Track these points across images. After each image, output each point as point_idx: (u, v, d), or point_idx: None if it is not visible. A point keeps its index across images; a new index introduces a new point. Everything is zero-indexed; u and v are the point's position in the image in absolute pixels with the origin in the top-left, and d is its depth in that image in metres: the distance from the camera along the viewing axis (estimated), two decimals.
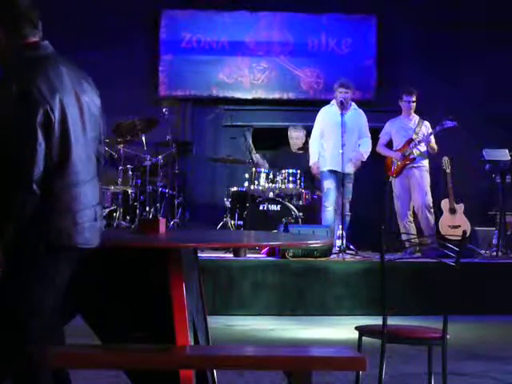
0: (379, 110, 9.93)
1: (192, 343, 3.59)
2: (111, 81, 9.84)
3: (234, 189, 9.41)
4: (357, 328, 4.18)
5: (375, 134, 9.03)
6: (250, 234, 5.79)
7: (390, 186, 9.07)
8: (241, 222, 9.13)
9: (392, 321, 4.03)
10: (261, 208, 8.93)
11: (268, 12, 10.55)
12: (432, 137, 8.79)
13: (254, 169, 9.15)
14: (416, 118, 8.96)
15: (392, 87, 9.89)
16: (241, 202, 9.24)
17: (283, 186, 9.07)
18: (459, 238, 4.16)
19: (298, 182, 9.06)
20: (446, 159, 9.24)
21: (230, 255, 8.35)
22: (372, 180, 9.83)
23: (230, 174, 10.39)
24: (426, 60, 10.45)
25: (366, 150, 8.76)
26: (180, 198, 9.60)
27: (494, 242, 8.99)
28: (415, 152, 8.81)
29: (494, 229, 9.15)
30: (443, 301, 3.99)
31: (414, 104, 8.86)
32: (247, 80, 10.57)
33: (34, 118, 2.87)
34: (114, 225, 8.76)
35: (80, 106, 3.07)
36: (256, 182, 9.09)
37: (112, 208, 9.13)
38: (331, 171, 8.69)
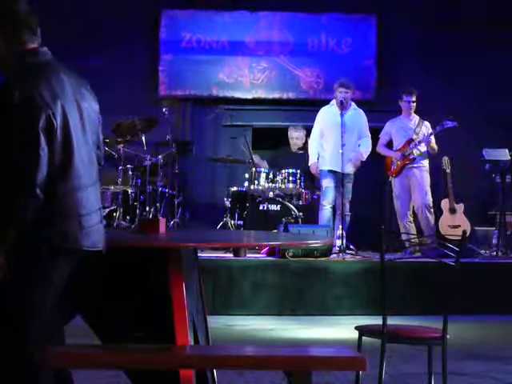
0: (379, 110, 9.93)
1: (192, 343, 3.60)
2: (111, 81, 9.86)
3: (234, 189, 9.41)
4: (357, 328, 4.18)
5: (375, 134, 9.03)
6: (250, 233, 5.79)
7: (390, 186, 9.07)
8: (241, 222, 9.13)
9: (392, 321, 4.03)
10: (261, 208, 8.93)
11: (268, 12, 10.55)
12: (432, 137, 8.79)
13: (253, 169, 9.15)
14: (416, 118, 8.96)
15: (392, 87, 9.89)
16: (241, 201, 9.24)
17: (283, 186, 9.07)
18: (459, 238, 4.16)
19: (298, 181, 9.07)
20: (445, 159, 9.24)
21: (229, 255, 8.35)
22: (372, 180, 9.83)
23: (229, 173, 10.39)
24: (425, 60, 10.44)
25: (365, 149, 8.77)
26: (180, 197, 9.59)
27: (494, 241, 9.00)
28: (415, 152, 8.81)
29: (494, 229, 9.15)
30: (443, 301, 3.99)
31: (414, 104, 8.86)
32: (247, 80, 10.57)
33: (36, 124, 2.90)
34: (114, 225, 8.76)
35: (80, 112, 3.11)
36: (256, 182, 9.09)
37: (112, 208, 9.12)
38: (331, 171, 8.69)
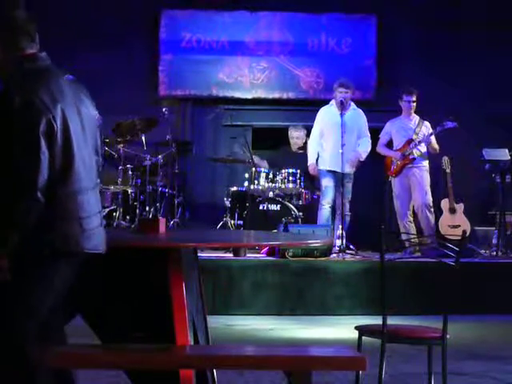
0: (379, 110, 9.93)
1: (192, 343, 3.60)
2: (111, 81, 9.87)
3: (234, 188, 9.41)
4: (357, 328, 4.18)
5: (375, 134, 9.03)
6: (250, 233, 5.79)
7: (390, 186, 9.07)
8: (241, 222, 9.13)
9: (392, 321, 4.03)
10: (261, 208, 8.93)
11: (268, 12, 10.55)
12: (433, 137, 8.79)
13: (253, 169, 9.15)
14: (416, 118, 8.96)
15: (392, 87, 9.89)
16: (241, 201, 9.24)
17: (283, 186, 9.07)
18: (459, 238, 4.16)
19: (298, 181, 9.07)
20: (445, 159, 9.23)
21: (229, 255, 8.35)
22: (372, 180, 9.83)
23: (229, 173, 10.39)
24: (426, 60, 10.44)
25: (364, 149, 8.76)
26: (180, 197, 9.59)
27: (494, 241, 8.99)
28: (416, 153, 8.80)
29: (494, 228, 9.15)
30: (443, 300, 3.99)
31: (415, 104, 8.85)
32: (247, 80, 10.57)
33: (37, 128, 2.93)
34: (114, 225, 8.76)
35: (80, 116, 3.13)
36: (256, 182, 9.09)
37: (112, 208, 9.12)
38: (330, 171, 8.69)
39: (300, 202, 9.16)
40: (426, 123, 8.93)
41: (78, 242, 3.04)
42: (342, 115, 8.55)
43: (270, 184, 9.07)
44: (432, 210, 8.80)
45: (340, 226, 8.45)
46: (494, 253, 8.83)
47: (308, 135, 9.29)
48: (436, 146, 8.81)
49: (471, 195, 9.80)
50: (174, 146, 9.44)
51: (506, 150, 9.05)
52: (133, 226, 8.69)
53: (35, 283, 3.00)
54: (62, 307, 3.24)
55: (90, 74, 9.01)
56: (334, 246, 8.32)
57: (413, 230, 8.69)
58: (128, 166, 9.17)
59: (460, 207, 9.12)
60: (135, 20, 10.36)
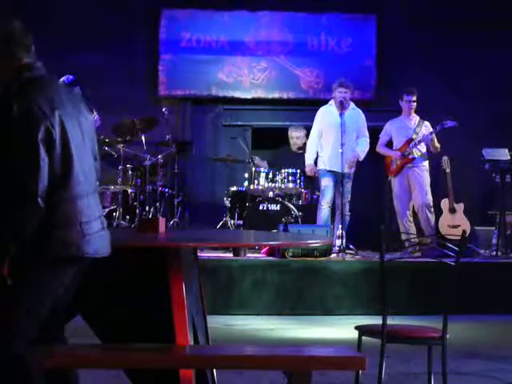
0: (379, 110, 9.94)
1: (192, 343, 3.60)
2: (111, 80, 9.88)
3: (234, 188, 9.41)
4: (357, 328, 4.18)
5: (375, 134, 9.02)
6: (250, 233, 5.78)
7: (390, 186, 9.07)
8: (240, 222, 9.13)
9: (392, 321, 4.03)
10: (260, 208, 8.92)
11: (268, 11, 10.55)
12: (434, 136, 8.78)
13: (253, 168, 9.15)
14: (416, 118, 8.96)
15: (392, 87, 9.90)
16: (240, 201, 9.23)
17: (283, 186, 9.07)
18: (459, 238, 4.16)
19: (298, 181, 9.06)
20: (445, 159, 9.24)
21: (229, 255, 8.35)
22: (372, 179, 9.83)
23: (229, 173, 10.39)
24: (425, 60, 10.44)
25: (362, 149, 8.75)
26: (180, 197, 9.59)
27: (494, 241, 8.99)
28: (416, 153, 8.80)
29: (494, 228, 9.15)
30: (443, 300, 3.99)
31: (415, 104, 8.85)
32: (247, 79, 10.56)
33: (36, 135, 2.96)
34: (114, 225, 8.76)
35: (78, 122, 3.16)
36: (256, 182, 9.09)
37: (112, 208, 9.12)
38: (330, 171, 8.69)
39: (300, 202, 9.16)
40: (426, 123, 8.92)
41: (78, 247, 3.06)
42: (341, 115, 8.54)
43: (270, 184, 9.07)
44: (432, 209, 8.80)
45: (340, 226, 8.44)
46: (494, 253, 8.83)
47: (308, 135, 9.28)
48: (437, 144, 8.80)
49: (471, 195, 9.80)
50: (174, 146, 9.45)
51: (506, 150, 9.05)
52: (133, 225, 8.69)
53: (36, 289, 3.03)
54: (62, 308, 3.25)
55: (90, 73, 9.06)
56: (334, 245, 8.32)
57: (413, 229, 8.69)
58: (128, 165, 9.17)
59: (460, 207, 9.12)
60: (135, 20, 10.36)
